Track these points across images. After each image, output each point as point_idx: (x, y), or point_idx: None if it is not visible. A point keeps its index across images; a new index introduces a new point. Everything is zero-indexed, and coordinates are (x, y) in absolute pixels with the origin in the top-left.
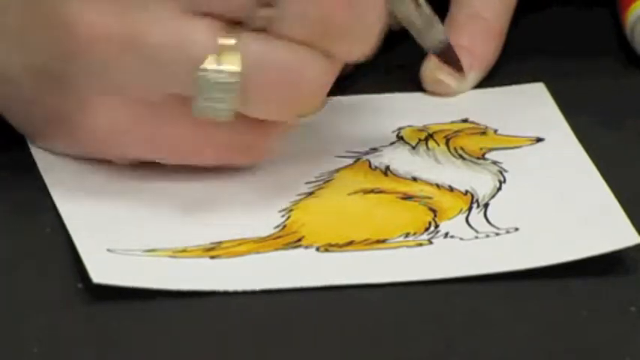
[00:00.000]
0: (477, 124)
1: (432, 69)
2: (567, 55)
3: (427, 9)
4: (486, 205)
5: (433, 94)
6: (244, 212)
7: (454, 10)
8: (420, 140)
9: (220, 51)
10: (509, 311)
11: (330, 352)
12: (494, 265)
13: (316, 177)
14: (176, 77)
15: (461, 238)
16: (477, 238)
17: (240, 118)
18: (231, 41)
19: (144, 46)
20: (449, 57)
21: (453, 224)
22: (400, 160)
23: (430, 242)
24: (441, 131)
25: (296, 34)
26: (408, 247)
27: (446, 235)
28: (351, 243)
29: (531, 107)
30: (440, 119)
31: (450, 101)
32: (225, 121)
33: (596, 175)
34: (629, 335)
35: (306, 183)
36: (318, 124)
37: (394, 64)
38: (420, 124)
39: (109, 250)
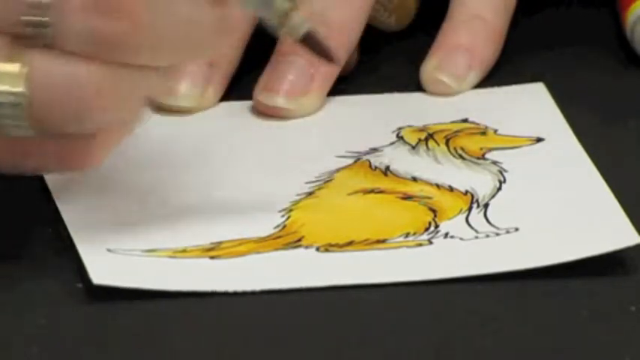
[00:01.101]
0: (477, 124)
1: (432, 70)
2: (567, 55)
3: (280, 1)
4: (486, 205)
5: (433, 94)
6: (244, 212)
7: (454, 9)
8: (420, 140)
9: (5, 73)
10: (510, 311)
11: (331, 352)
12: (494, 265)
13: (316, 177)
14: None
15: (461, 238)
16: (477, 238)
17: None
18: (15, 65)
19: None
20: (315, 43)
21: (453, 224)
22: (400, 160)
23: (430, 242)
24: (441, 131)
25: (74, 48)
26: (408, 247)
27: (446, 235)
28: (351, 243)
29: (531, 107)
30: (440, 119)
31: (450, 101)
32: (31, 136)
33: (596, 175)
34: (629, 335)
35: (306, 183)
36: (318, 124)
37: (394, 64)
38: (420, 124)
39: (108, 250)
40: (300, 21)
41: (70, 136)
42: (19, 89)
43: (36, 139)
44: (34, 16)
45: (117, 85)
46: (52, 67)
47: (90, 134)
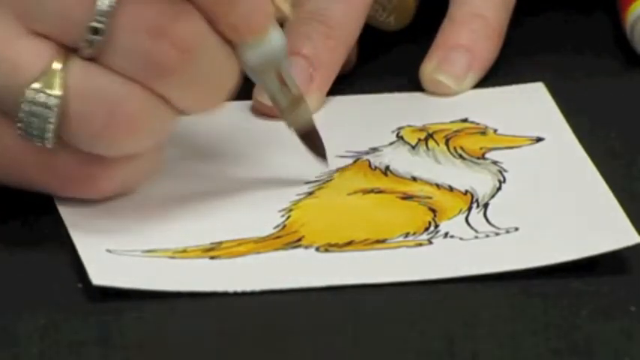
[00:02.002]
0: (477, 123)
1: (431, 70)
2: (567, 55)
3: (294, 89)
4: (486, 205)
5: (433, 94)
6: (244, 212)
7: (453, 8)
8: (419, 140)
9: (46, 74)
10: (509, 311)
11: (330, 352)
12: (494, 265)
13: (316, 177)
14: (1, 94)
15: (461, 238)
16: (476, 238)
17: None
18: (58, 66)
19: None
20: (312, 140)
21: (452, 224)
22: (400, 159)
23: (430, 242)
24: (441, 131)
25: (120, 66)
26: (407, 247)
27: (446, 235)
28: (350, 243)
29: (531, 107)
30: (440, 119)
31: (450, 101)
32: (51, 147)
33: (596, 175)
34: (629, 335)
35: (306, 183)
36: (318, 124)
37: (394, 64)
38: (419, 123)
39: (108, 250)
40: (308, 112)
41: (88, 158)
42: (56, 92)
43: (52, 153)
44: (96, 22)
45: (150, 113)
46: (92, 79)
47: (108, 161)
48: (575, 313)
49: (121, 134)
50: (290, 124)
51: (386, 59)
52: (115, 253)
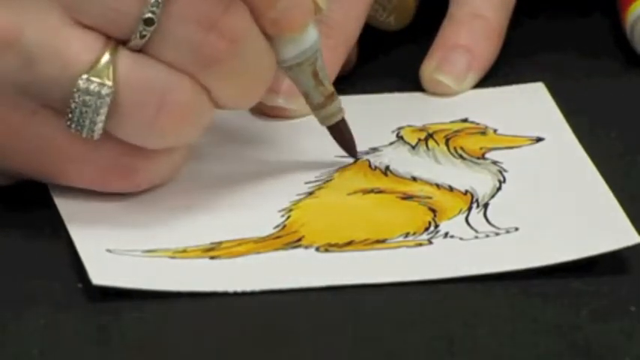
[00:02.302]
0: (477, 123)
1: (431, 70)
2: (567, 55)
3: (328, 85)
4: (486, 205)
5: (433, 94)
6: (244, 212)
7: (454, 8)
8: (419, 140)
9: (95, 66)
10: (509, 311)
11: (330, 352)
12: (494, 265)
13: (316, 177)
14: (50, 86)
15: (461, 238)
16: (476, 238)
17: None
18: (107, 57)
19: (23, 48)
20: (343, 134)
21: (452, 224)
22: (400, 159)
23: (430, 242)
24: (441, 131)
25: (168, 57)
26: (407, 247)
27: (446, 235)
28: (350, 243)
29: (531, 107)
30: (440, 119)
31: (450, 101)
32: (97, 139)
33: (596, 175)
34: (629, 335)
35: (306, 183)
36: (318, 124)
37: (394, 64)
38: (419, 123)
39: (108, 250)
40: (339, 107)
41: (130, 151)
42: (109, 82)
43: (95, 146)
44: (150, 13)
45: (197, 105)
46: (142, 70)
47: (148, 153)
48: (575, 313)
49: (170, 124)
50: (322, 121)
51: (386, 59)
52: (115, 252)
